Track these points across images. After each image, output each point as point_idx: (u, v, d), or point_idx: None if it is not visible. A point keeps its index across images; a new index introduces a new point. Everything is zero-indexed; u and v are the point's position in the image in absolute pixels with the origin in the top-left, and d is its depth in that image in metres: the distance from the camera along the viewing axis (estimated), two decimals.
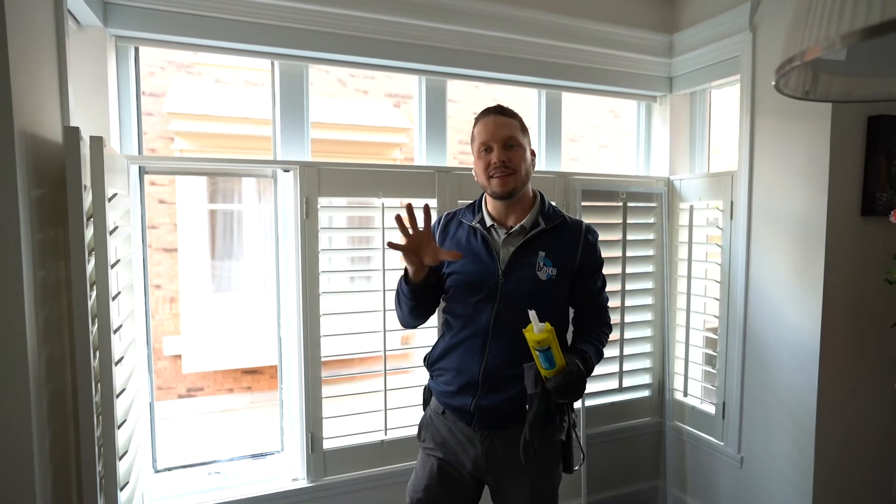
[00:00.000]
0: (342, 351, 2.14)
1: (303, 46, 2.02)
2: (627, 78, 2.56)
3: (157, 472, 2.01)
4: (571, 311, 1.56)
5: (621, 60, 2.52)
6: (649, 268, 2.63)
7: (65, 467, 1.21)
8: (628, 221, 2.54)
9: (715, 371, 2.42)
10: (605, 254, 2.55)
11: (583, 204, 2.43)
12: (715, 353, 2.42)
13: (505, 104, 1.46)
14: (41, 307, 1.12)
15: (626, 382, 2.62)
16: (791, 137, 2.06)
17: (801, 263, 2.03)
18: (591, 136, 8.47)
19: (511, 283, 1.39)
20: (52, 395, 1.16)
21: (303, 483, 2.05)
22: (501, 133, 1.38)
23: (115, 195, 1.30)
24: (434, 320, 1.87)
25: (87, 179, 1.21)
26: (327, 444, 2.07)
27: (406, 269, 1.38)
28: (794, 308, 2.06)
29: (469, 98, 7.68)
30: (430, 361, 1.53)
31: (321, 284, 2.02)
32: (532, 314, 1.24)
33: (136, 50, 1.95)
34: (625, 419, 2.62)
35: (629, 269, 2.56)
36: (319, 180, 2.01)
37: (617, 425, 2.60)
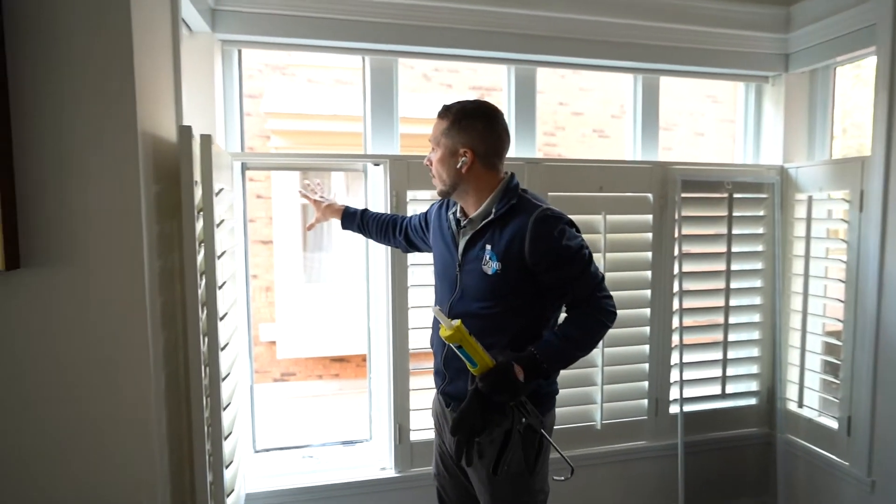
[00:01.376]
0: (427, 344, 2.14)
1: (392, 41, 2.03)
2: (735, 58, 2.34)
3: (256, 452, 2.13)
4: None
5: (728, 39, 2.31)
6: (758, 265, 2.41)
7: (179, 445, 1.30)
8: (734, 214, 2.33)
9: (838, 381, 2.17)
10: (705, 249, 2.41)
11: (682, 196, 2.26)
12: (838, 362, 2.17)
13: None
14: (158, 295, 1.21)
15: (730, 388, 2.42)
16: None
17: None
18: (686, 124, 7.95)
19: (464, 276, 1.39)
20: (168, 378, 1.25)
21: (390, 473, 2.08)
22: (430, 135, 1.42)
23: (221, 190, 1.37)
24: None
25: (197, 175, 1.28)
26: (414, 436, 2.09)
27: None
28: None
29: (555, 87, 7.47)
30: (430, 342, 1.58)
31: (409, 277, 2.04)
32: (436, 310, 1.24)
33: (240, 52, 2.05)
34: (728, 428, 2.42)
35: (735, 266, 2.36)
36: (409, 173, 2.02)
37: (719, 434, 2.41)
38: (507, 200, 1.35)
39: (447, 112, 1.39)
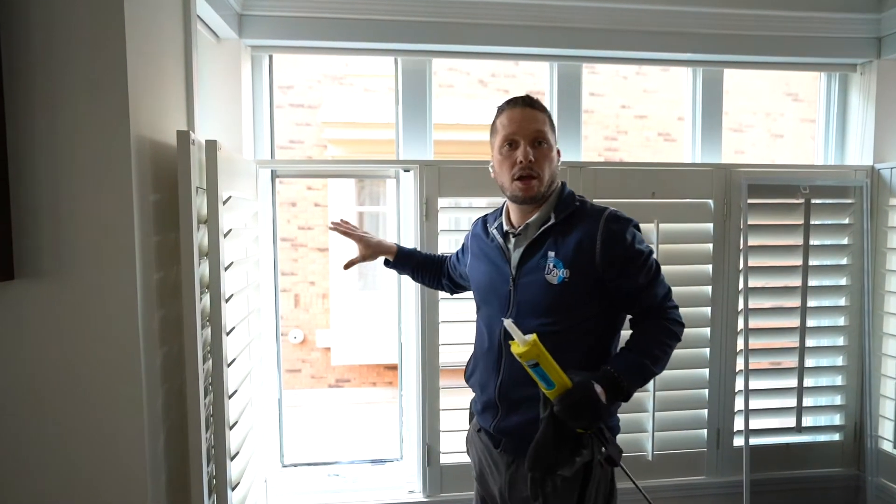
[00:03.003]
0: (462, 360, 2.01)
1: (425, 40, 1.94)
2: (814, 44, 2.06)
3: (284, 466, 2.07)
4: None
5: (805, 23, 2.04)
6: (842, 280, 2.10)
7: (181, 465, 1.24)
8: (812, 223, 2.05)
9: None
10: (779, 262, 2.13)
11: (749, 202, 2.00)
12: None
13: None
14: (157, 309, 1.15)
15: (807, 421, 2.12)
16: None
17: None
18: (761, 125, 7.37)
19: (521, 291, 1.20)
20: (168, 395, 1.19)
21: (419, 496, 1.96)
22: (530, 127, 1.19)
23: (229, 198, 1.31)
24: None
25: (202, 182, 1.23)
26: (444, 459, 1.96)
27: None
28: None
29: (617, 90, 7.16)
30: (466, 376, 1.40)
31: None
32: (508, 323, 1.05)
33: (270, 58, 2.02)
34: (805, 467, 2.12)
35: (812, 282, 2.06)
36: (440, 180, 1.90)
37: (795, 473, 2.11)
38: (566, 204, 1.23)
39: (540, 106, 1.23)
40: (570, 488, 1.15)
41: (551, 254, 1.17)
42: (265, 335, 1.90)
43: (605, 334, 1.22)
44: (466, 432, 1.43)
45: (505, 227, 1.27)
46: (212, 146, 1.23)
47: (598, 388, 1.07)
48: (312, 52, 2.01)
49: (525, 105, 1.21)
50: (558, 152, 1.25)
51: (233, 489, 1.33)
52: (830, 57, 2.09)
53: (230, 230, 1.32)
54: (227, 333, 1.30)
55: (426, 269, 1.61)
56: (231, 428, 1.32)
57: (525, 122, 1.19)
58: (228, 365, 1.31)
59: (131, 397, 1.07)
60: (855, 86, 2.18)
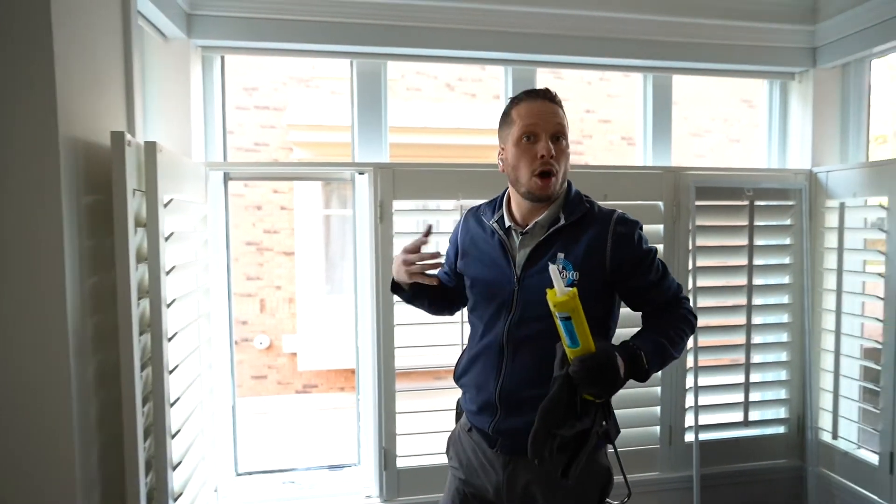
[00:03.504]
0: (418, 364, 2.02)
1: (380, 43, 1.94)
2: (756, 53, 2.15)
3: (238, 475, 2.03)
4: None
5: (748, 33, 2.12)
6: (784, 279, 2.18)
7: (120, 478, 1.20)
8: (756, 224, 2.12)
9: (878, 411, 1.92)
10: (725, 262, 2.20)
11: (697, 204, 2.07)
12: (877, 388, 1.92)
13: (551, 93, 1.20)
14: (91, 315, 1.12)
15: (754, 415, 2.19)
16: None
17: None
18: (719, 130, 7.62)
19: (527, 291, 1.17)
20: (102, 406, 1.16)
21: (376, 501, 1.95)
22: (552, 121, 1.15)
23: (171, 200, 1.28)
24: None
25: (140, 185, 1.20)
26: (401, 462, 1.95)
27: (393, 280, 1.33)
28: None
29: (582, 95, 7.30)
30: (456, 375, 1.35)
31: None
32: (553, 268, 1.02)
33: (222, 59, 1.99)
34: (752, 459, 2.19)
35: (757, 281, 2.14)
36: (394, 182, 1.90)
37: (742, 466, 2.18)
38: (576, 206, 1.20)
39: (559, 101, 1.18)
40: (563, 453, 1.11)
41: (561, 255, 1.16)
42: (216, 340, 1.86)
43: (605, 337, 1.22)
44: (450, 432, 1.40)
45: (507, 223, 1.23)
46: (151, 147, 1.20)
47: (619, 360, 1.06)
48: (266, 53, 1.98)
49: (545, 98, 1.18)
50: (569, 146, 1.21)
51: (175, 500, 1.30)
52: (771, 65, 2.18)
53: (172, 233, 1.29)
54: (169, 339, 1.27)
55: (437, 292, 1.41)
56: (173, 437, 1.29)
57: (547, 115, 1.16)
58: (170, 372, 1.28)
59: (59, 408, 1.03)
60: (794, 93, 2.28)
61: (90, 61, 1.15)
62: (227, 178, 1.97)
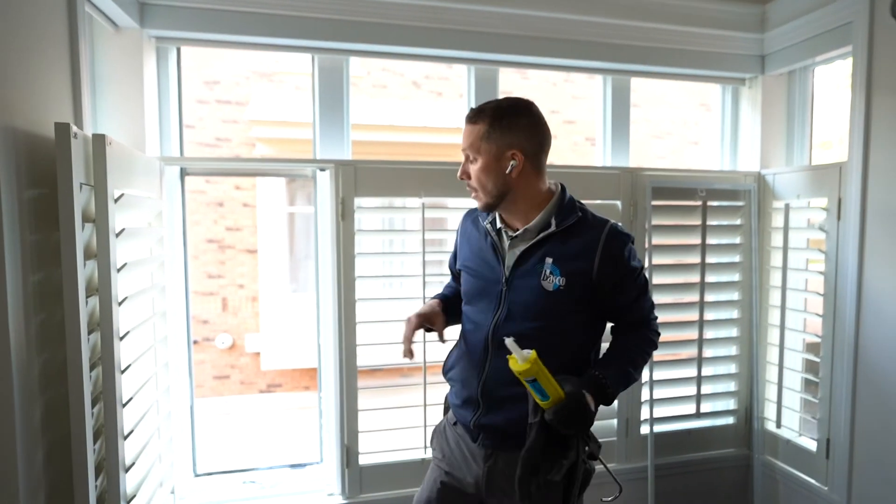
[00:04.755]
0: (380, 361, 2.02)
1: (342, 38, 1.92)
2: (710, 58, 2.23)
3: (196, 475, 1.99)
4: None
5: (702, 39, 2.20)
6: (735, 276, 2.28)
7: (67, 481, 1.16)
8: (709, 223, 2.20)
9: (816, 400, 2.03)
10: (680, 259, 2.29)
11: (654, 203, 2.13)
12: (816, 380, 2.03)
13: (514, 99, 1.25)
14: (36, 313, 1.08)
15: (706, 407, 2.28)
16: None
17: None
18: (679, 132, 7.85)
19: (514, 293, 1.23)
20: (48, 407, 1.12)
21: (338, 499, 1.94)
22: (464, 143, 1.24)
23: (122, 195, 1.25)
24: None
25: (89, 179, 1.16)
26: (364, 460, 1.95)
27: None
28: None
29: (547, 96, 7.38)
30: (445, 369, 1.41)
31: (357, 290, 1.91)
32: (510, 342, 1.08)
33: (178, 51, 1.94)
34: (704, 449, 2.28)
35: (709, 279, 2.22)
36: (356, 179, 1.90)
37: (694, 455, 2.26)
38: (568, 212, 1.24)
39: (480, 114, 1.21)
40: (556, 486, 1.19)
41: (549, 260, 1.20)
42: (173, 339, 1.82)
43: (589, 342, 1.28)
44: (436, 424, 1.46)
45: (499, 225, 1.28)
46: (99, 140, 1.16)
47: (588, 397, 1.13)
48: (224, 46, 1.94)
49: (466, 120, 1.24)
50: (512, 154, 1.20)
51: (128, 502, 1.27)
52: (723, 71, 2.26)
53: (123, 230, 1.26)
54: (121, 338, 1.24)
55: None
56: (126, 438, 1.26)
57: (464, 137, 1.24)
58: (122, 371, 1.24)
59: (1, 412, 0.99)
60: (745, 98, 2.38)
61: (33, 48, 1.11)
62: (183, 173, 1.92)
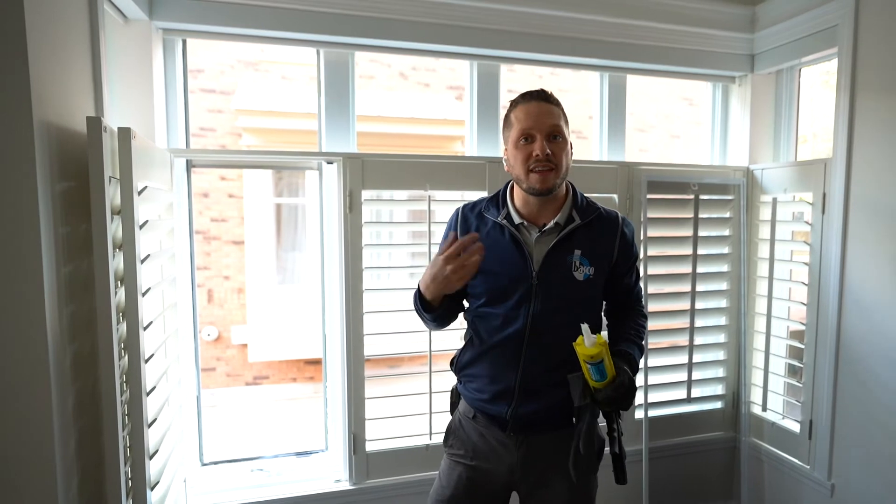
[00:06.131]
0: (386, 350, 2.07)
1: (348, 33, 1.95)
2: (702, 57, 2.31)
3: (203, 465, 2.02)
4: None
5: (694, 38, 2.27)
6: (724, 267, 2.37)
7: (96, 467, 1.19)
8: (700, 216, 2.29)
9: (800, 385, 2.14)
10: (673, 251, 2.37)
11: (649, 197, 2.21)
12: (800, 365, 2.14)
13: (551, 91, 1.31)
14: (67, 304, 1.10)
15: (696, 392, 2.38)
16: None
17: None
18: (662, 126, 7.99)
19: (546, 286, 1.27)
20: (80, 394, 1.15)
21: (345, 485, 1.99)
22: (547, 122, 1.23)
23: (145, 188, 1.27)
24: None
25: (115, 172, 1.18)
26: (370, 447, 2.00)
27: (419, 291, 1.29)
28: None
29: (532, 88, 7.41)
30: (459, 366, 1.41)
31: (364, 281, 1.95)
32: (585, 328, 1.15)
33: (184, 43, 1.94)
34: (693, 432, 2.39)
35: (701, 269, 2.32)
36: (363, 172, 1.93)
37: (684, 439, 2.37)
38: (587, 206, 1.33)
39: (555, 100, 1.27)
40: (595, 461, 1.34)
41: (577, 252, 1.27)
42: (182, 332, 1.84)
43: (599, 320, 1.37)
44: (449, 421, 1.44)
45: (516, 220, 1.29)
46: (125, 134, 1.18)
47: (630, 374, 1.22)
48: (230, 38, 1.95)
49: (541, 99, 1.25)
50: (571, 146, 1.28)
51: (151, 489, 1.30)
52: (714, 69, 2.34)
53: (146, 222, 1.28)
54: (145, 329, 1.27)
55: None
56: (150, 426, 1.29)
57: (541, 116, 1.23)
58: (146, 361, 1.27)
59: (40, 400, 1.02)
60: (735, 95, 2.46)
61: (59, 44, 1.12)
62: (189, 165, 1.94)
